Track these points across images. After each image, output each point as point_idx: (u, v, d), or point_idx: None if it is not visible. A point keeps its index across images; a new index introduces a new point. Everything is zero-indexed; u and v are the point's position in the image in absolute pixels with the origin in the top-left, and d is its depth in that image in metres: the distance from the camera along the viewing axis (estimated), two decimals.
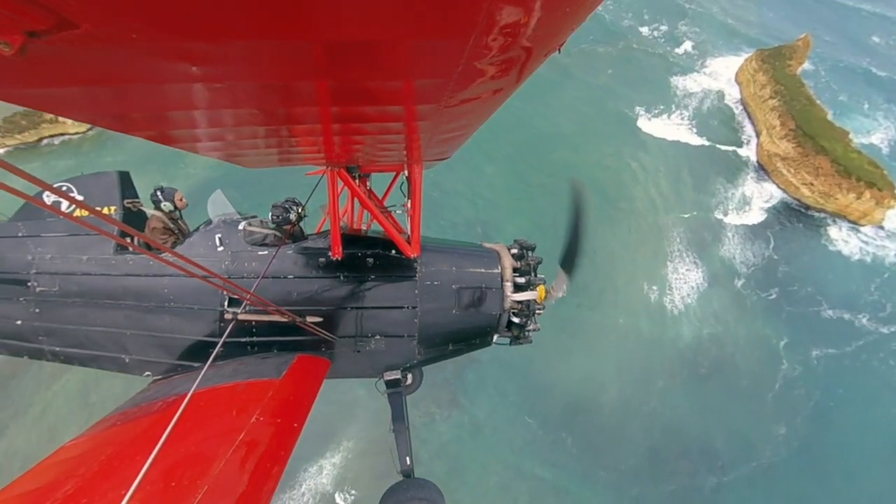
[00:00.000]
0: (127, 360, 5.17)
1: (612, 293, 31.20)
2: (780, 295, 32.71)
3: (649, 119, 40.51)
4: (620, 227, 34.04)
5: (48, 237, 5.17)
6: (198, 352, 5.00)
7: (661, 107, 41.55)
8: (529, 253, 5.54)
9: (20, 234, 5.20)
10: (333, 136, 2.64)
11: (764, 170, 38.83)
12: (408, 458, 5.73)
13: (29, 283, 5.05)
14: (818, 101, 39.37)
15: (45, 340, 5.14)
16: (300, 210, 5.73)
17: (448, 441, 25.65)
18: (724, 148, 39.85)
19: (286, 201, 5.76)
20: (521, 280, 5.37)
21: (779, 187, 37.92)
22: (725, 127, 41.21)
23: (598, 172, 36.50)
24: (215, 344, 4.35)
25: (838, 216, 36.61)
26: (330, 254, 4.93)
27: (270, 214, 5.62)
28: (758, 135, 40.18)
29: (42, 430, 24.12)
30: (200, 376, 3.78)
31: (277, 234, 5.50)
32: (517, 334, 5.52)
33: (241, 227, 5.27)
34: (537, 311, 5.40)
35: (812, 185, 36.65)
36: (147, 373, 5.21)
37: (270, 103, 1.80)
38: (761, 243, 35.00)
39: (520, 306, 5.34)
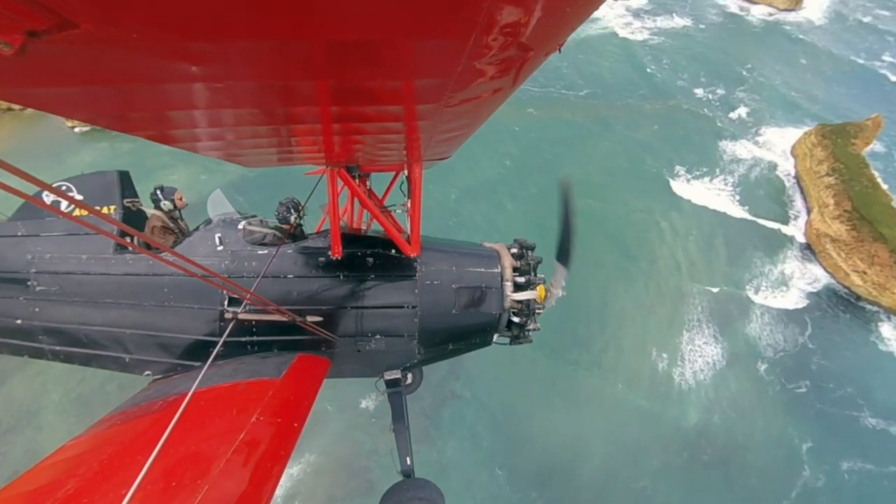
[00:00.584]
0: (127, 360, 5.17)
1: (615, 354, 27.94)
2: (811, 390, 28.26)
3: (688, 181, 37.21)
4: (636, 286, 30.55)
5: (48, 236, 5.17)
6: (198, 351, 5.01)
7: (704, 169, 37.98)
8: (529, 252, 5.55)
9: (20, 234, 5.20)
10: (333, 135, 2.64)
11: (811, 250, 33.91)
12: (408, 458, 5.74)
13: (29, 283, 5.05)
14: (883, 186, 34.68)
15: (45, 339, 5.15)
16: (300, 210, 5.76)
17: None
18: (767, 221, 35.39)
19: (288, 200, 5.79)
20: (521, 279, 5.38)
21: (826, 271, 32.84)
22: (772, 200, 36.90)
23: (623, 226, 33.27)
24: (215, 343, 4.35)
25: (893, 312, 31.30)
26: (330, 253, 4.94)
27: (276, 212, 5.66)
28: (808, 212, 35.52)
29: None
30: (201, 376, 3.78)
31: (277, 233, 5.52)
32: (517, 334, 5.53)
33: (240, 226, 5.27)
34: (537, 311, 5.41)
35: (865, 273, 31.68)
36: (147, 372, 5.22)
37: (270, 103, 1.80)
38: (796, 329, 30.24)
39: (520, 306, 5.35)
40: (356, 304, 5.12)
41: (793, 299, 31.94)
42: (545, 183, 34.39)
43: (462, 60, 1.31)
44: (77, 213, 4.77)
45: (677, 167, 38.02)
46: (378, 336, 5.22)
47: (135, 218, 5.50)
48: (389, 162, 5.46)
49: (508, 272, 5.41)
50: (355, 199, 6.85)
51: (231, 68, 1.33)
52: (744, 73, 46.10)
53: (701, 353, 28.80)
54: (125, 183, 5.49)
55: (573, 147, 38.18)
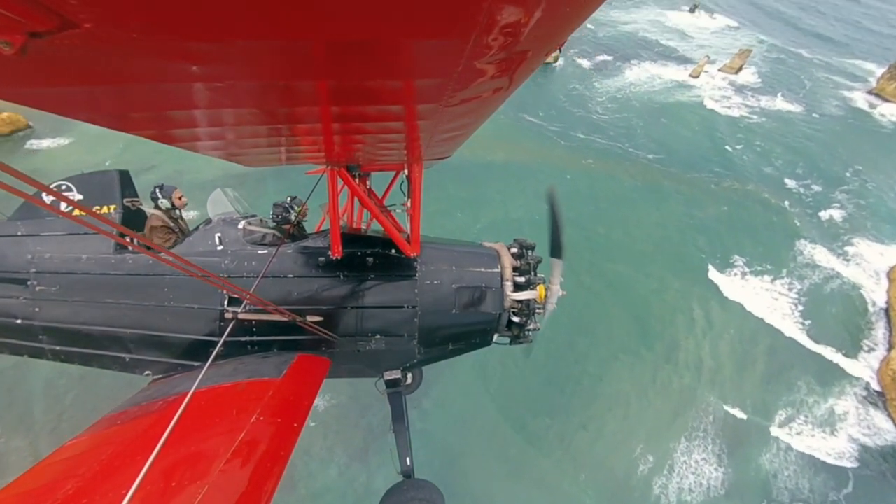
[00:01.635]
0: (127, 360, 5.17)
1: (591, 437, 22.90)
2: None
3: (743, 275, 30.67)
4: (643, 371, 25.95)
5: (47, 236, 5.17)
6: (198, 351, 5.00)
7: (767, 267, 31.20)
8: (529, 252, 5.55)
9: (19, 233, 5.20)
10: (333, 135, 2.64)
11: (879, 395, 26.80)
12: (408, 459, 5.75)
13: (28, 283, 5.05)
14: None
15: (45, 339, 5.15)
16: (300, 210, 5.76)
17: (320, 492, 19.56)
18: (829, 347, 28.45)
19: (287, 200, 5.79)
20: (521, 279, 5.38)
21: (894, 424, 25.95)
22: (844, 323, 29.66)
23: (650, 302, 28.42)
24: (215, 343, 4.36)
25: None
26: (330, 253, 4.94)
27: (271, 213, 5.65)
28: (889, 348, 28.53)
29: None
30: (201, 376, 3.78)
31: (277, 233, 5.52)
32: (517, 334, 5.53)
33: (240, 226, 5.27)
34: (537, 311, 5.42)
35: None
36: (147, 372, 5.22)
37: (270, 103, 1.80)
38: (830, 481, 23.90)
39: (520, 305, 5.36)
40: (356, 304, 5.12)
41: (837, 446, 25.03)
42: (578, 235, 30.10)
43: (462, 60, 1.31)
44: (77, 212, 4.77)
45: (735, 256, 31.81)
46: (378, 336, 5.22)
47: (135, 217, 5.50)
48: (389, 161, 5.46)
49: (508, 272, 5.41)
50: (355, 199, 6.85)
51: (231, 68, 1.33)
52: (849, 174, 39.51)
53: (695, 470, 23.26)
54: (125, 182, 5.49)
55: (621, 207, 33.84)
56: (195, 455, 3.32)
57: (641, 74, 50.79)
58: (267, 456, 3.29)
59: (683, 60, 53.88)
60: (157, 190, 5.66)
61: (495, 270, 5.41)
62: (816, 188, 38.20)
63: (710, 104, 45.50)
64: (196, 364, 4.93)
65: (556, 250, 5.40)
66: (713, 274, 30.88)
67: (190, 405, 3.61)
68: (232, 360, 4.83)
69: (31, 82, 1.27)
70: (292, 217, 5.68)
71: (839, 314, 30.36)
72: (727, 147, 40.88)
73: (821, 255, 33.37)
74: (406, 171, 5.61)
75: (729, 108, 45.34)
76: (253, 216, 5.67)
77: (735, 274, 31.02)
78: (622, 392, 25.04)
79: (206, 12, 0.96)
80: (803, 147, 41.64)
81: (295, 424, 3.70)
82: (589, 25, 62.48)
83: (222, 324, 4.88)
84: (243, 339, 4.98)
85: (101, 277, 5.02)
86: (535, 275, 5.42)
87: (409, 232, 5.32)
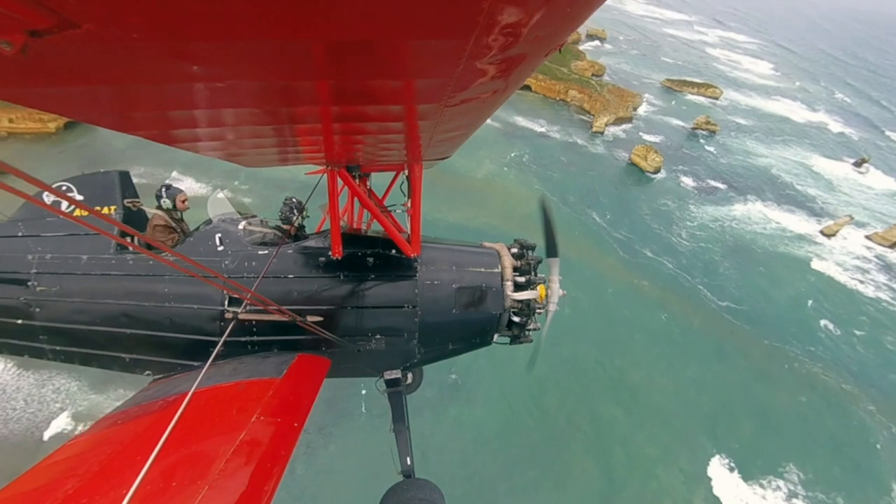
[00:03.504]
0: (127, 360, 5.17)
1: None
2: None
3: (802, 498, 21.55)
4: None
5: (48, 236, 5.17)
6: (198, 351, 5.00)
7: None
8: (529, 252, 5.55)
9: (20, 234, 5.20)
10: (334, 135, 2.64)
11: None
12: (408, 459, 5.74)
13: (29, 283, 5.05)
14: None
15: (45, 339, 5.15)
16: (302, 211, 5.77)
17: None
18: None
19: (291, 200, 5.80)
20: (522, 279, 5.38)
21: None
22: None
23: (637, 471, 22.19)
24: (215, 343, 4.36)
25: None
26: (330, 253, 4.94)
27: (280, 212, 5.69)
28: None
29: None
30: (201, 375, 3.78)
31: (277, 233, 5.52)
32: (517, 333, 5.53)
33: (240, 226, 5.27)
34: (537, 311, 5.41)
35: None
36: (147, 372, 5.22)
37: (271, 103, 1.80)
38: None
39: (520, 305, 5.35)
40: (356, 304, 5.12)
41: None
42: (586, 362, 24.83)
43: (463, 61, 1.31)
44: (77, 213, 4.77)
45: (789, 467, 22.38)
46: (378, 336, 5.22)
47: (135, 218, 5.51)
48: (390, 162, 5.45)
49: (509, 272, 5.41)
50: (355, 199, 6.85)
51: (232, 68, 1.33)
52: None
53: None
54: (126, 183, 5.49)
55: (657, 347, 27.36)
56: (195, 455, 3.32)
57: (754, 213, 44.85)
58: (267, 456, 3.29)
59: (818, 213, 46.07)
60: (164, 189, 5.68)
61: (496, 270, 5.41)
62: None
63: (832, 270, 37.35)
64: (196, 364, 4.92)
65: (551, 250, 5.44)
66: (733, 481, 21.40)
67: (190, 405, 3.60)
68: (232, 359, 4.83)
69: (32, 82, 1.27)
70: (293, 218, 5.68)
71: None
72: (835, 328, 31.96)
73: None
74: (406, 172, 5.61)
75: (860, 283, 36.24)
76: (253, 216, 5.67)
77: (782, 494, 21.16)
78: None
79: (206, 12, 0.96)
80: None
81: (295, 424, 3.70)
82: (710, 148, 57.46)
83: (222, 324, 4.88)
84: (243, 339, 4.97)
85: (101, 278, 5.02)
86: (536, 275, 5.42)
87: (409, 232, 5.32)
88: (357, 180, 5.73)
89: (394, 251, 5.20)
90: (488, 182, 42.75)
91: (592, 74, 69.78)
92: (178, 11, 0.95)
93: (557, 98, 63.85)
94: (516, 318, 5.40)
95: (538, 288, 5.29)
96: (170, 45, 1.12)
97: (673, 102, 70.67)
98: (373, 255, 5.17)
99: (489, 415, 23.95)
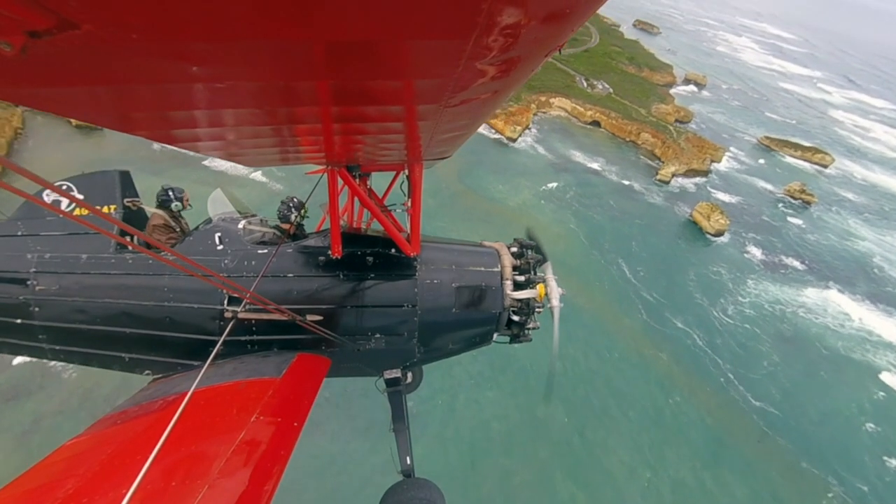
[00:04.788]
0: (127, 359, 5.17)
1: None
2: None
3: None
4: None
5: (48, 236, 5.17)
6: (198, 350, 5.00)
7: None
8: (529, 251, 5.55)
9: (20, 233, 5.20)
10: (334, 135, 2.64)
11: None
12: (408, 458, 5.75)
13: (28, 282, 5.05)
14: None
15: (44, 339, 5.15)
16: (302, 210, 5.77)
17: None
18: None
19: (290, 199, 5.80)
20: (521, 278, 5.38)
21: None
22: None
23: None
24: (215, 342, 4.36)
25: None
26: (330, 252, 4.94)
27: (278, 211, 5.69)
28: None
29: None
30: (200, 375, 3.78)
31: (277, 232, 5.52)
32: (517, 332, 5.54)
33: (240, 225, 5.27)
34: (537, 310, 5.42)
35: None
36: (147, 371, 5.22)
37: (271, 103, 1.80)
38: None
39: (520, 304, 5.36)
40: (356, 303, 5.12)
41: None
42: (544, 450, 20.30)
43: (462, 61, 1.31)
44: (77, 212, 4.77)
45: None
46: (378, 335, 5.22)
47: (135, 218, 5.50)
48: (390, 161, 5.45)
49: (508, 271, 5.42)
50: (355, 199, 6.85)
51: (232, 68, 1.33)
52: None
53: None
54: (126, 182, 5.49)
55: (654, 435, 22.26)
56: (195, 454, 3.32)
57: (832, 304, 35.88)
58: (267, 455, 3.29)
59: None
60: (170, 192, 5.68)
61: (495, 269, 5.41)
62: None
63: None
64: (196, 363, 4.93)
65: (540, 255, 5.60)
66: None
67: (190, 405, 3.61)
68: (232, 359, 4.83)
69: (32, 82, 1.27)
70: (292, 217, 5.68)
71: None
72: None
73: None
74: (406, 171, 5.61)
75: None
76: (253, 216, 5.67)
77: None
78: None
79: (205, 13, 0.96)
80: None
81: (295, 424, 3.70)
82: (797, 220, 47.27)
83: (222, 323, 4.88)
84: (243, 338, 4.98)
85: (101, 277, 5.02)
86: (535, 274, 5.43)
87: (409, 231, 5.32)
88: (357, 180, 5.73)
89: (393, 250, 5.20)
90: (519, 211, 38.70)
91: (676, 120, 64.24)
92: (177, 12, 0.95)
93: (627, 138, 58.90)
94: (516, 317, 5.41)
95: (538, 287, 5.30)
96: (169, 46, 1.13)
97: (764, 162, 62.18)
98: (372, 255, 5.17)
99: (431, 458, 20.20)
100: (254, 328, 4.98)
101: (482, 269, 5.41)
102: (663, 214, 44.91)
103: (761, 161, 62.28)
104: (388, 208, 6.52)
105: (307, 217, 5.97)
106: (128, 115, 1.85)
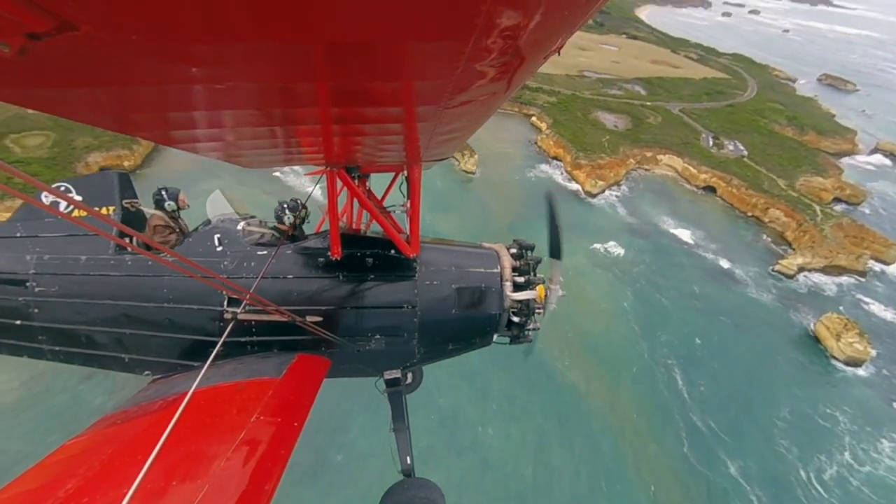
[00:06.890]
0: (127, 360, 5.17)
1: None
2: None
3: None
4: None
5: (47, 237, 5.17)
6: (197, 351, 5.00)
7: None
8: (528, 252, 5.56)
9: (19, 235, 5.19)
10: (333, 136, 2.64)
11: None
12: (408, 458, 5.74)
13: (28, 284, 5.05)
14: None
15: (44, 340, 5.14)
16: (301, 211, 5.77)
17: None
18: None
19: (289, 201, 5.80)
20: (521, 279, 5.38)
21: None
22: None
23: None
24: (215, 343, 4.35)
25: None
26: (329, 253, 4.94)
27: (276, 212, 5.69)
28: None
29: None
30: (200, 375, 3.78)
31: (276, 233, 5.52)
32: (517, 333, 5.54)
33: (239, 226, 5.27)
34: (537, 311, 5.42)
35: None
36: (147, 372, 5.22)
37: (270, 104, 1.80)
38: None
39: (519, 305, 5.36)
40: (356, 304, 5.12)
41: None
42: None
43: (461, 63, 1.31)
44: (76, 213, 4.77)
45: None
46: (378, 336, 5.22)
47: (134, 219, 5.50)
48: (389, 162, 5.46)
49: (508, 272, 5.42)
50: (354, 200, 6.85)
51: (231, 70, 1.33)
52: None
53: None
54: (124, 184, 5.49)
55: None
56: (195, 455, 3.32)
57: None
58: (267, 455, 3.29)
59: None
60: (164, 192, 5.68)
61: (495, 271, 5.42)
62: None
63: None
64: (196, 364, 4.92)
65: (555, 251, 5.45)
66: None
67: (190, 405, 3.61)
68: (232, 360, 4.83)
69: (31, 83, 1.27)
70: (285, 220, 5.68)
71: None
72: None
73: None
74: (405, 172, 5.61)
75: None
76: (252, 217, 5.67)
77: None
78: None
79: (204, 14, 0.96)
80: None
81: (295, 424, 3.70)
82: None
83: (222, 324, 4.88)
84: (243, 339, 4.97)
85: (100, 278, 5.02)
86: (535, 275, 5.43)
87: (408, 232, 5.32)
88: (356, 181, 5.73)
89: (393, 251, 5.20)
90: (566, 276, 34.34)
91: (835, 199, 48.45)
92: (176, 13, 0.95)
93: (749, 213, 45.74)
94: (516, 319, 5.41)
95: (537, 288, 5.30)
96: (168, 47, 1.13)
97: None
98: (372, 256, 5.17)
99: None
100: (253, 329, 4.98)
101: (482, 270, 5.41)
102: (769, 318, 32.88)
103: None
104: (388, 209, 6.53)
105: (307, 221, 5.97)
106: (127, 117, 1.85)
